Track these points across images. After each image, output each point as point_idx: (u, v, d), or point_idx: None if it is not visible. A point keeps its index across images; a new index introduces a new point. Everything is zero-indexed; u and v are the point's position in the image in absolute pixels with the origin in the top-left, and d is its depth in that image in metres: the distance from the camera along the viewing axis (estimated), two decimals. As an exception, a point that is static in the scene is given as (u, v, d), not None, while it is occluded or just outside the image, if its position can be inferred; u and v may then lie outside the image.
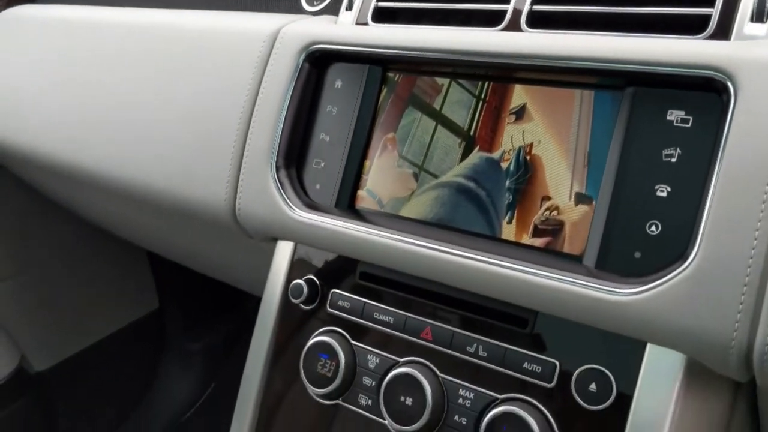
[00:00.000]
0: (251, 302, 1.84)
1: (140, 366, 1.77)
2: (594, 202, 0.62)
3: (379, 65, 0.76)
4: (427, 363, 0.69)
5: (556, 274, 0.60)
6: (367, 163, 0.77)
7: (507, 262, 0.63)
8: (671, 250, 0.57)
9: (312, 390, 0.75)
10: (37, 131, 1.08)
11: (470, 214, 0.69)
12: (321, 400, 0.75)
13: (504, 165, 0.68)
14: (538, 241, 0.65)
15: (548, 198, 0.65)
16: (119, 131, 0.95)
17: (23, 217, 1.48)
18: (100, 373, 1.67)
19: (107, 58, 1.01)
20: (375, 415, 0.72)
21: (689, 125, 0.58)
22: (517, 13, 0.69)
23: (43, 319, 1.56)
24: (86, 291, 1.62)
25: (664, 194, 0.59)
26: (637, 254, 0.59)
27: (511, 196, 0.67)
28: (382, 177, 0.75)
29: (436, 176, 0.72)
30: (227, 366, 1.80)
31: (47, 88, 1.09)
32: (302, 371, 0.76)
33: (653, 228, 0.59)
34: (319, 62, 0.79)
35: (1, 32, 1.24)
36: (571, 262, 0.62)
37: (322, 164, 0.79)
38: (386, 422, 0.70)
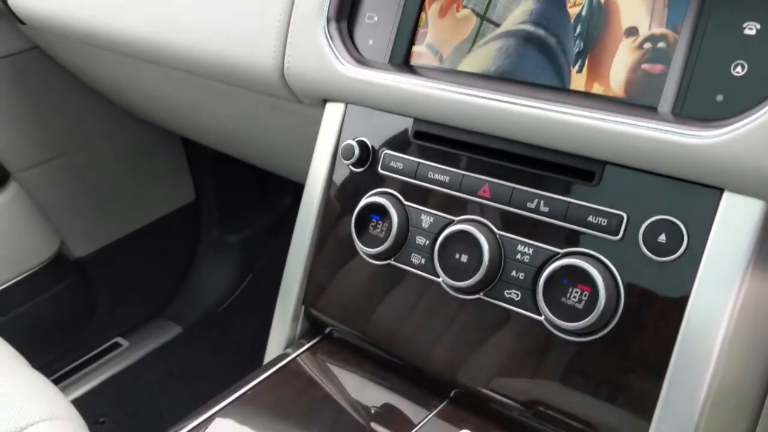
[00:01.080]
0: (287, 197, 1.84)
1: (177, 257, 1.79)
2: (673, 45, 0.58)
3: None
4: (484, 221, 0.68)
5: (631, 120, 0.57)
6: (423, 16, 0.73)
7: (576, 110, 0.60)
8: (756, 92, 0.54)
9: (363, 250, 0.74)
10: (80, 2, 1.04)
11: (536, 64, 0.66)
12: (372, 261, 0.74)
13: (574, 10, 0.64)
14: (611, 90, 0.62)
15: (623, 42, 0.61)
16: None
17: (62, 102, 1.47)
18: (138, 263, 1.69)
19: None
20: (428, 273, 0.70)
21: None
22: None
23: (82, 206, 1.57)
24: (124, 180, 1.63)
25: (753, 32, 0.55)
26: (719, 97, 0.55)
27: (581, 43, 0.63)
28: (441, 30, 0.72)
29: (499, 25, 0.68)
30: (263, 258, 1.81)
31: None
32: (353, 232, 0.74)
33: (738, 69, 0.55)
34: None
35: None
36: (646, 108, 0.59)
37: (375, 18, 0.75)
38: (440, 279, 0.69)
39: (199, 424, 0.70)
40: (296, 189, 1.74)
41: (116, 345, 1.67)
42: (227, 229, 1.82)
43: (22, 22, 1.25)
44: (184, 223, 1.77)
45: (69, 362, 1.57)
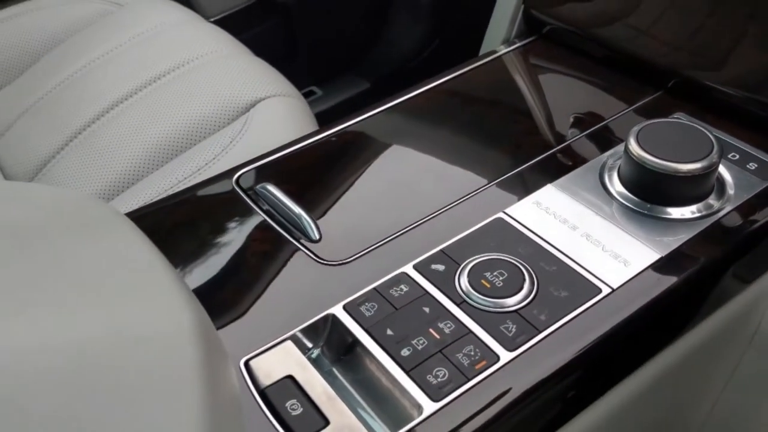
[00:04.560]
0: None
1: (371, 14, 1.83)
2: None
3: None
4: None
5: None
6: None
7: None
8: None
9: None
10: None
11: None
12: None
13: None
14: None
15: None
16: None
17: None
18: (336, 15, 1.76)
19: None
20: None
21: None
22: None
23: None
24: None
25: None
26: None
27: None
28: None
29: None
30: (452, 23, 1.82)
31: None
32: None
33: None
34: None
35: None
36: None
37: None
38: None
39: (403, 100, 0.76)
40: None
41: (311, 92, 1.79)
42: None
43: None
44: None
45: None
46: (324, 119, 1.71)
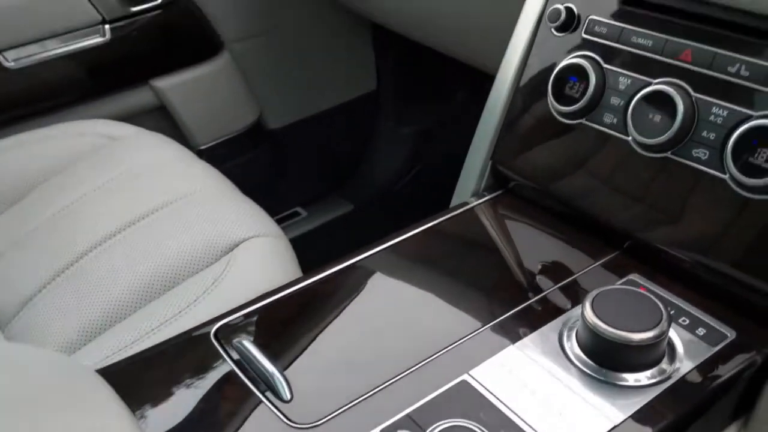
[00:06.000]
0: (461, 93, 1.91)
1: (354, 140, 1.92)
2: None
3: None
4: (681, 83, 0.72)
5: None
6: None
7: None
8: None
9: (557, 109, 0.80)
10: None
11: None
12: (564, 120, 0.80)
13: None
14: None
15: None
16: None
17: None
18: (322, 140, 1.84)
19: None
20: (619, 132, 0.76)
21: None
22: None
23: (280, 82, 1.72)
24: (318, 63, 1.76)
25: None
26: None
27: None
28: None
29: None
30: (433, 151, 1.91)
31: None
32: (550, 92, 0.81)
33: None
34: None
35: None
36: None
37: None
38: (629, 138, 0.74)
39: (377, 251, 0.81)
40: (469, 85, 1.81)
41: (296, 213, 1.85)
42: (401, 120, 1.92)
43: None
44: (364, 109, 1.89)
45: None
46: (308, 241, 1.77)
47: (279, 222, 1.83)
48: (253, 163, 1.72)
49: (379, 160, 1.91)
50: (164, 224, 1.03)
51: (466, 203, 0.89)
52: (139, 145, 1.23)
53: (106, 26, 1.39)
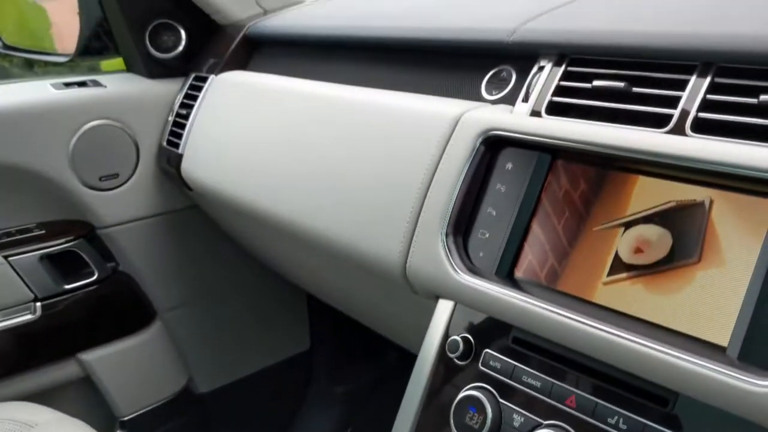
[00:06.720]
0: (394, 353, 1.94)
1: (287, 400, 1.91)
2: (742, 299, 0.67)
3: (548, 153, 0.85)
4: (569, 428, 0.75)
5: (700, 360, 0.65)
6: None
7: (653, 343, 0.69)
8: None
9: (461, 441, 0.83)
10: (241, 181, 1.26)
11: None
12: (468, 452, 0.83)
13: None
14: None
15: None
16: (311, 187, 1.10)
17: (207, 253, 1.69)
18: (252, 402, 1.82)
19: (306, 123, 1.17)
20: (517, 472, 0.78)
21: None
22: (683, 117, 0.76)
23: (210, 346, 1.74)
24: (250, 324, 1.80)
25: (814, 297, 0.63)
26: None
27: (663, 284, 0.73)
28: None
29: (592, 257, 0.79)
30: (364, 412, 1.90)
31: (251, 144, 1.27)
32: (452, 421, 0.84)
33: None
34: (493, 146, 0.89)
35: (215, 93, 1.45)
36: (715, 350, 0.67)
37: (487, 235, 0.88)
38: (524, 477, 0.77)
39: None
40: (400, 349, 1.85)
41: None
42: (335, 380, 1.93)
43: (189, 189, 1.48)
44: (296, 369, 1.90)
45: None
46: None
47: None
48: (180, 429, 1.68)
49: (310, 423, 1.89)
50: None
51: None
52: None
53: (38, 303, 1.41)
